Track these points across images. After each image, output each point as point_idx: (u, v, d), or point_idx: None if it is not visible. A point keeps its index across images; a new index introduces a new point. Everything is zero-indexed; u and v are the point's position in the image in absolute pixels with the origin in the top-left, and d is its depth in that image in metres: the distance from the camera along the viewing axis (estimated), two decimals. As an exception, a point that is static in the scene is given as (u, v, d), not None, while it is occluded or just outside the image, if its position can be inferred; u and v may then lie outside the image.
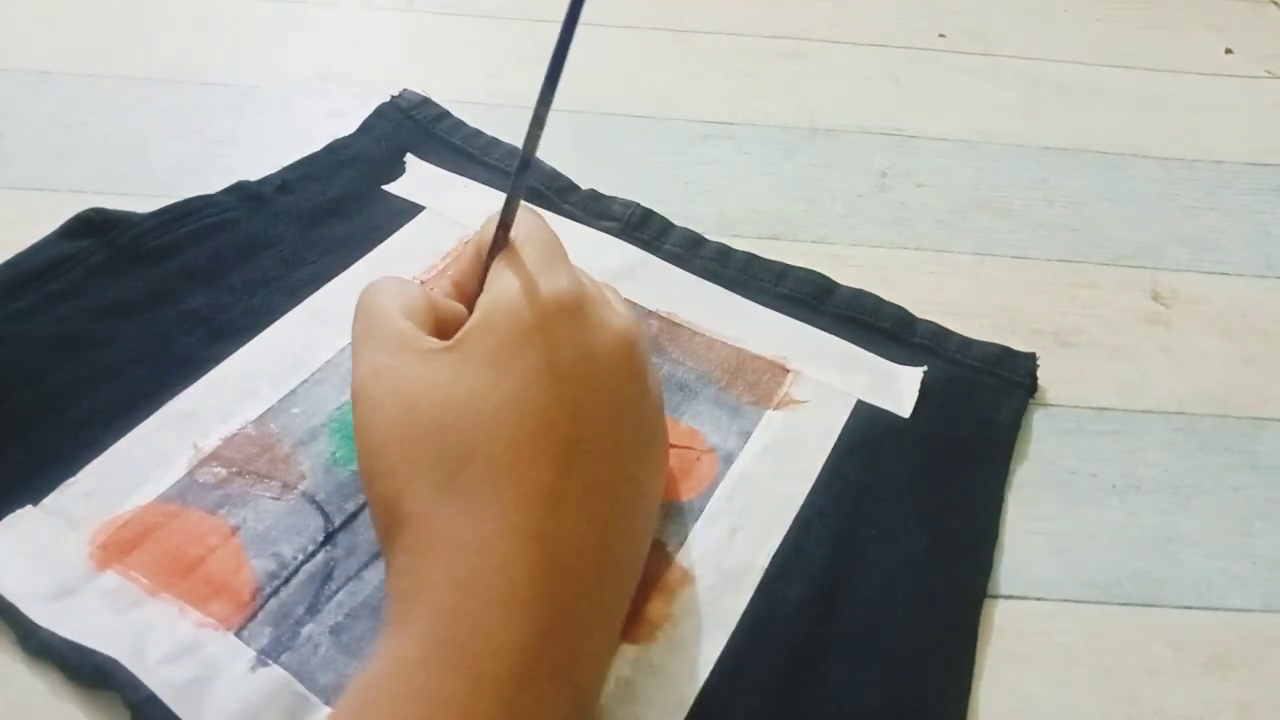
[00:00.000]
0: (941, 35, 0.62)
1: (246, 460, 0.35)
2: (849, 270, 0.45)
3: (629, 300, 0.42)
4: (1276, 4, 0.69)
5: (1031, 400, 0.41)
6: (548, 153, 0.48)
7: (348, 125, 0.49)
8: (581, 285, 0.29)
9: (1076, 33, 0.65)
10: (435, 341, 0.28)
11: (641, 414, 0.30)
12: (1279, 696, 0.33)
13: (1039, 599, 0.35)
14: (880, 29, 0.62)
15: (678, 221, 0.46)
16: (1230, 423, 0.41)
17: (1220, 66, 0.63)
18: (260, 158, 0.47)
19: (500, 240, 0.30)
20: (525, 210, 0.30)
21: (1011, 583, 0.35)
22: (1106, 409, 0.41)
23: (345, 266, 0.42)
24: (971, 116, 0.56)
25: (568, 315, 0.28)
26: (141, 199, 0.43)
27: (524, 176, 0.29)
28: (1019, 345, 0.42)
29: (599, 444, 0.28)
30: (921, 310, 0.43)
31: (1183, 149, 0.55)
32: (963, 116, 0.56)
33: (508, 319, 0.27)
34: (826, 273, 0.44)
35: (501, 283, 0.29)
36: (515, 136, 0.49)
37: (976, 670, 0.32)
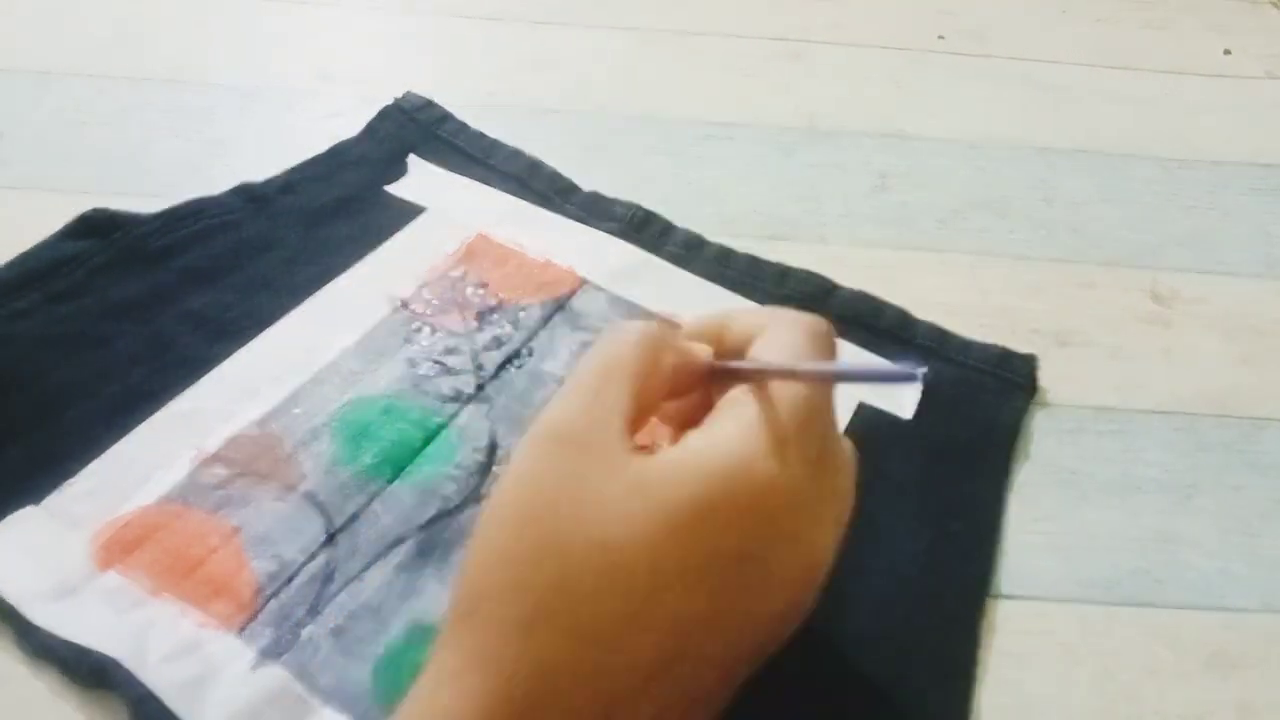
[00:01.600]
0: (941, 36, 0.62)
1: (248, 461, 0.35)
2: (849, 271, 0.45)
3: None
4: (1276, 5, 0.69)
5: (1032, 401, 0.41)
6: (549, 154, 0.48)
7: (350, 126, 0.49)
8: (799, 485, 0.25)
9: (1076, 33, 0.65)
10: (627, 465, 0.24)
11: (782, 636, 0.27)
12: (1279, 696, 0.33)
13: (1039, 599, 0.35)
14: (880, 30, 0.62)
15: (678, 223, 0.46)
16: (1230, 422, 0.41)
17: (1220, 67, 0.63)
18: (261, 158, 0.47)
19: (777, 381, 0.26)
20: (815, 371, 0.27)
21: (1012, 583, 0.35)
22: (1106, 409, 0.41)
23: (347, 267, 0.42)
24: (971, 117, 0.56)
25: (762, 514, 0.24)
26: (143, 199, 0.43)
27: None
28: (1019, 346, 0.42)
29: (701, 660, 0.25)
30: (921, 311, 0.43)
31: (1182, 149, 0.55)
32: (963, 117, 0.56)
33: (700, 486, 0.24)
34: (826, 273, 0.44)
35: (726, 430, 0.25)
36: (517, 139, 0.49)
37: (977, 670, 0.32)
